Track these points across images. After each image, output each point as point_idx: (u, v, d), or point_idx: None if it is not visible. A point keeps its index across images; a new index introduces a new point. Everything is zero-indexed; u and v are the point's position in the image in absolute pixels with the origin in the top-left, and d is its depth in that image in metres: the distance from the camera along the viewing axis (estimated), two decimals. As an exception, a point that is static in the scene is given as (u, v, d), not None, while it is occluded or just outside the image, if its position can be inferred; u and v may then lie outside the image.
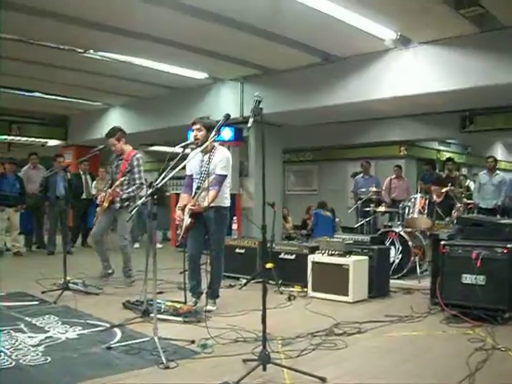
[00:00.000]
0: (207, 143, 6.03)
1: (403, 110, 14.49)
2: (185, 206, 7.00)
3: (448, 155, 20.44)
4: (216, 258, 7.11)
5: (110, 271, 9.11)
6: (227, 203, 7.15)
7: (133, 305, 7.09)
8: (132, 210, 5.78)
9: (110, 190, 8.67)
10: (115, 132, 8.78)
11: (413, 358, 5.21)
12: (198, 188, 6.83)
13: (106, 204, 8.65)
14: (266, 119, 13.44)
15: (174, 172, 5.32)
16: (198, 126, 6.88)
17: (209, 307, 6.97)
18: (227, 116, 5.58)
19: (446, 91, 10.82)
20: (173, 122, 15.30)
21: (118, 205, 8.64)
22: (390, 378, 4.64)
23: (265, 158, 4.95)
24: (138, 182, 8.61)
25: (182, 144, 5.96)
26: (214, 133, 5.76)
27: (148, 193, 5.22)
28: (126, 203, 8.62)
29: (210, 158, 6.87)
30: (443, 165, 19.48)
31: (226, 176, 6.97)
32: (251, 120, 4.67)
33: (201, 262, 7.24)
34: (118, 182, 8.56)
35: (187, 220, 6.90)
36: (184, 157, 5.72)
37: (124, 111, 17.62)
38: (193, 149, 6.87)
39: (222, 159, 6.91)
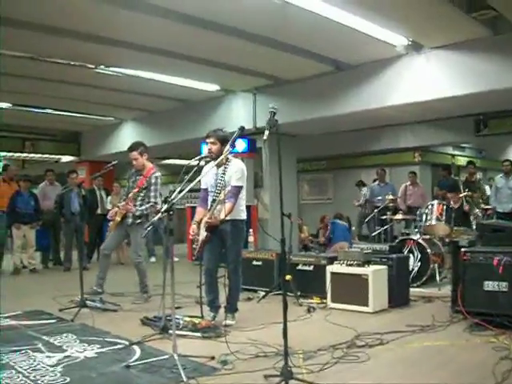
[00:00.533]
0: (222, 156, 5.98)
1: (416, 115, 14.40)
2: (200, 220, 6.97)
3: (462, 160, 20.38)
4: (233, 272, 7.05)
5: (100, 290, 8.79)
6: (243, 216, 7.10)
7: (151, 321, 7.03)
8: (148, 227, 5.74)
9: (122, 204, 8.64)
10: (138, 146, 8.76)
11: (437, 369, 5.12)
12: (214, 201, 6.77)
13: (118, 218, 8.60)
14: (280, 129, 13.42)
15: (191, 186, 5.27)
16: (211, 140, 6.83)
17: (228, 322, 6.92)
18: (242, 128, 5.55)
19: (459, 95, 10.73)
20: (185, 135, 15.27)
21: (130, 220, 8.57)
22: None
23: (281, 169, 4.88)
24: (152, 200, 8.56)
25: (197, 157, 5.93)
26: (228, 146, 5.72)
27: (164, 208, 5.18)
28: (139, 220, 8.55)
29: (224, 171, 6.85)
30: (458, 169, 19.44)
31: (241, 187, 6.92)
32: (267, 132, 4.63)
33: (218, 275, 7.19)
34: (130, 195, 8.54)
35: (203, 234, 6.87)
36: (199, 170, 5.68)
37: (136, 125, 17.61)
38: (207, 162, 6.82)
39: (237, 170, 6.87)
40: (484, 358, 5.32)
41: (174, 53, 10.82)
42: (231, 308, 7.14)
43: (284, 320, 4.62)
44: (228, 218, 6.78)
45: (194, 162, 5.79)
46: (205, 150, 6.91)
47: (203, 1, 8.57)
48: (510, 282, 6.33)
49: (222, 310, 7.14)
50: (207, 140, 6.87)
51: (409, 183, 14.51)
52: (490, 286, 6.46)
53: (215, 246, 7.02)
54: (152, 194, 8.59)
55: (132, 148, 8.72)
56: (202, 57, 11.23)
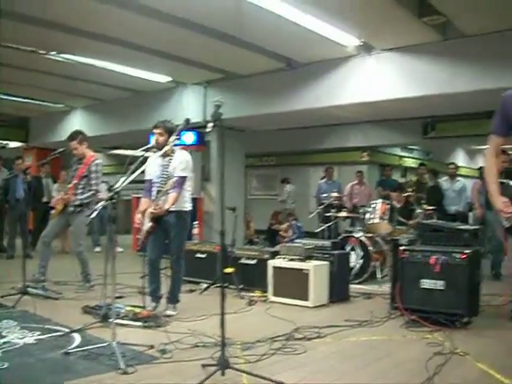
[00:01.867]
0: (167, 147, 6.00)
1: (365, 115, 14.58)
2: (145, 210, 7.01)
3: (410, 161, 20.65)
4: (176, 263, 7.12)
5: (42, 278, 8.68)
6: (188, 207, 7.15)
7: (92, 309, 7.03)
8: (90, 215, 5.74)
9: (62, 194, 8.60)
10: (77, 135, 8.69)
11: (372, 363, 5.23)
12: (159, 192, 6.80)
13: (59, 207, 8.56)
14: (229, 124, 13.46)
15: (134, 176, 5.28)
16: (159, 131, 6.85)
17: (169, 312, 7.03)
18: (187, 120, 5.58)
19: (408, 98, 10.91)
20: (135, 126, 15.19)
21: (71, 209, 8.51)
22: (350, 382, 4.65)
23: (224, 162, 4.93)
24: (94, 188, 8.51)
25: (143, 148, 5.94)
26: (173, 137, 5.74)
27: (107, 196, 5.19)
28: (79, 208, 8.50)
29: (169, 162, 6.89)
30: (405, 171, 19.70)
31: (185, 178, 6.97)
32: (210, 125, 4.66)
33: (161, 266, 7.22)
34: (70, 185, 8.50)
35: (148, 224, 6.90)
36: (144, 161, 5.69)
37: (86, 114, 17.44)
38: (154, 152, 6.85)
39: (182, 161, 6.93)
40: (418, 354, 5.45)
41: (128, 42, 10.77)
42: (173, 299, 7.20)
43: (221, 311, 4.67)
44: (173, 208, 6.84)
45: (139, 153, 5.80)
46: (152, 140, 6.90)
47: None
48: (446, 280, 6.48)
49: (163, 301, 7.19)
50: (155, 130, 6.88)
51: (356, 182, 14.67)
52: (426, 284, 6.61)
53: (159, 237, 7.06)
54: (93, 181, 8.53)
55: (71, 137, 8.64)
56: (154, 48, 11.21)
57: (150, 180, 7.10)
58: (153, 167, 7.01)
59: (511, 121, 4.28)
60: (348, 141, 18.97)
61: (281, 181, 18.24)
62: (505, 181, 4.37)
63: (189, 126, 6.17)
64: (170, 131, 6.72)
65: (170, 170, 6.86)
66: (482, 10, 8.86)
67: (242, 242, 14.39)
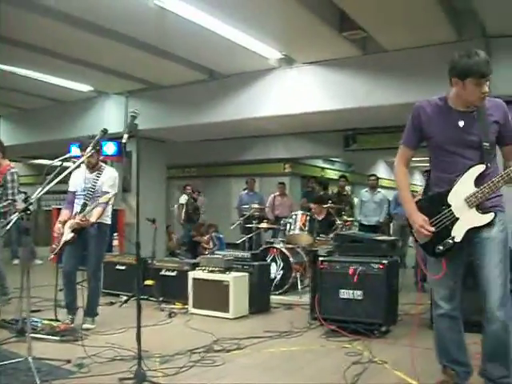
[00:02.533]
0: (83, 158, 5.89)
1: (287, 128, 14.72)
2: (65, 221, 6.95)
3: (332, 173, 20.91)
4: (94, 275, 7.06)
5: None
6: (109, 221, 7.19)
7: (8, 324, 6.82)
8: (5, 226, 5.60)
9: None
10: None
11: (291, 374, 5.25)
12: (85, 204, 6.83)
13: None
14: (151, 134, 13.37)
15: (50, 186, 5.17)
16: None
17: (87, 325, 6.91)
18: (104, 131, 5.49)
19: (328, 111, 11.06)
20: (57, 135, 14.96)
21: None
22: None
23: (139, 173, 4.90)
24: (10, 197, 8.31)
25: (61, 158, 5.84)
26: (90, 147, 5.66)
27: (22, 207, 5.07)
28: None
29: (97, 176, 6.95)
30: (327, 182, 19.92)
31: (113, 194, 7.01)
32: (126, 136, 4.61)
33: (77, 278, 7.13)
34: None
35: (68, 234, 6.82)
36: (62, 171, 5.58)
37: (7, 122, 17.04)
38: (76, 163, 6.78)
39: (111, 177, 7.04)
40: (337, 363, 5.49)
41: (50, 51, 10.59)
42: (91, 312, 7.10)
43: (138, 323, 4.62)
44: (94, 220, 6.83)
45: (57, 163, 5.70)
46: (73, 150, 6.87)
47: (82, 1, 8.48)
48: (365, 290, 6.58)
49: (81, 314, 7.07)
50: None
51: (277, 193, 14.74)
52: (345, 294, 6.69)
53: (77, 249, 6.99)
54: (9, 191, 8.32)
55: None
56: (76, 57, 11.07)
57: (74, 192, 7.10)
58: (79, 180, 7.04)
59: (424, 134, 4.27)
60: (270, 152, 19.07)
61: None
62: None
63: (109, 137, 6.13)
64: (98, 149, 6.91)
65: (97, 185, 6.91)
66: (401, 26, 9.08)
67: (164, 253, 14.29)
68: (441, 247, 4.11)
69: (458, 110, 4.12)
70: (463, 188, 4.06)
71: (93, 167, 7.02)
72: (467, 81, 3.97)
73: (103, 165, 7.14)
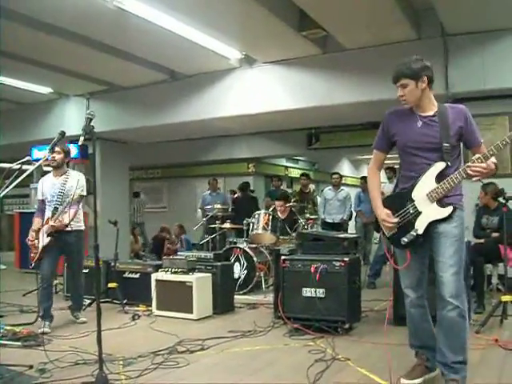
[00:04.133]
0: (40, 161, 5.84)
1: (249, 127, 14.74)
2: (39, 228, 7.04)
3: (296, 171, 20.98)
4: (78, 276, 7.59)
5: None
6: (83, 226, 7.50)
7: (-30, 330, 6.78)
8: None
9: None
10: None
11: (254, 373, 5.24)
12: (56, 208, 6.97)
13: None
14: (113, 136, 13.30)
15: (7, 190, 5.12)
16: (58, 149, 7.04)
17: (82, 319, 7.48)
18: (62, 133, 5.45)
19: (290, 110, 11.11)
20: (18, 138, 14.79)
21: None
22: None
23: (95, 175, 4.91)
24: None
25: (20, 161, 5.79)
26: (47, 150, 5.62)
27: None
28: None
29: (65, 181, 7.10)
30: (291, 181, 19.99)
31: (83, 196, 7.31)
32: (82, 138, 4.58)
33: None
34: None
35: (45, 239, 6.93)
36: (21, 174, 5.53)
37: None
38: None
39: (80, 180, 7.17)
40: (301, 361, 5.51)
41: (8, 53, 10.46)
42: (80, 306, 7.68)
43: (98, 326, 4.61)
44: (72, 228, 7.10)
45: (16, 166, 5.64)
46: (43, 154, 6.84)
47: (38, 1, 8.40)
48: (327, 288, 6.61)
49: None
50: (55, 148, 6.89)
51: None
52: (307, 292, 6.71)
53: (54, 254, 7.15)
54: None
55: None
56: (36, 58, 10.98)
57: (43, 200, 7.23)
58: (46, 187, 7.18)
59: (391, 138, 4.56)
60: (233, 152, 19.13)
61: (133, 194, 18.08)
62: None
63: (70, 139, 6.11)
64: (67, 153, 7.29)
65: (66, 189, 7.04)
66: (360, 24, 9.17)
67: (128, 256, 14.21)
68: (405, 239, 4.39)
69: (418, 114, 4.43)
70: (425, 184, 4.34)
71: (57, 169, 7.17)
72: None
73: (68, 169, 7.34)
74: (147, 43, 10.08)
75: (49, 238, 6.93)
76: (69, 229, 7.03)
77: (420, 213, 4.36)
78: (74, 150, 13.49)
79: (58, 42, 9.73)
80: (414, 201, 4.39)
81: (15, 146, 15.19)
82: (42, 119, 14.43)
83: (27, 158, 6.34)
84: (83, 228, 7.47)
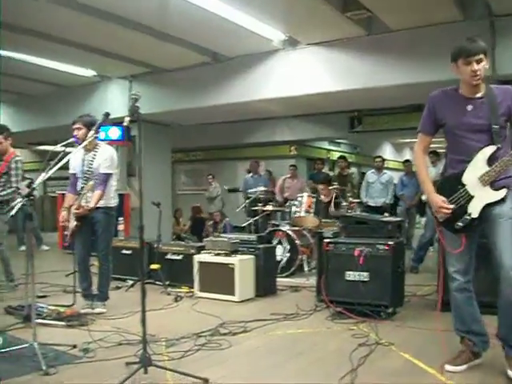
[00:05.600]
0: (86, 142, 5.88)
1: (291, 110, 14.68)
2: (70, 206, 6.90)
3: (337, 154, 20.87)
4: (104, 259, 7.06)
5: None
6: (114, 203, 7.10)
7: (15, 310, 6.84)
8: (9, 211, 5.59)
9: None
10: (3, 130, 8.43)
11: (297, 356, 5.23)
12: (82, 189, 6.72)
13: None
14: (155, 118, 13.31)
15: (52, 172, 5.14)
16: (77, 125, 6.80)
17: (99, 309, 6.96)
18: (107, 114, 5.45)
19: (333, 92, 11.01)
20: (61, 121, 14.82)
21: None
22: (274, 376, 4.65)
23: (144, 156, 4.86)
24: (14, 185, 8.28)
25: (63, 143, 5.82)
26: (93, 131, 5.63)
27: (26, 193, 5.06)
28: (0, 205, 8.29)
29: (93, 157, 6.81)
30: (333, 164, 19.90)
31: (110, 175, 6.92)
32: (127, 119, 4.58)
33: (90, 263, 7.15)
34: None
35: (73, 223, 6.79)
36: (64, 156, 5.56)
37: (9, 109, 16.95)
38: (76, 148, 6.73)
39: (107, 158, 6.85)
40: (343, 345, 5.47)
41: (52, 36, 10.56)
42: (102, 296, 7.12)
43: (142, 307, 4.61)
44: (99, 205, 6.78)
45: (59, 148, 5.67)
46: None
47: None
48: (371, 272, 6.55)
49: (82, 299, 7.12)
50: (73, 126, 6.82)
51: (288, 176, 14.69)
52: (351, 275, 6.65)
53: (86, 235, 6.97)
54: (13, 178, 8.28)
55: None
56: (79, 41, 11.04)
57: (75, 174, 7.00)
58: (77, 161, 6.92)
59: (438, 121, 4.52)
60: (275, 135, 19.11)
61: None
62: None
63: (113, 121, 6.07)
64: (88, 124, 6.65)
65: (94, 166, 6.78)
66: (405, 5, 9.00)
67: (171, 237, 14.30)
68: (460, 223, 4.37)
69: (466, 96, 4.38)
70: (476, 168, 4.31)
71: (90, 148, 6.88)
72: (459, 62, 4.27)
73: (99, 143, 7.01)
74: (190, 25, 10.05)
75: (75, 222, 6.80)
76: (97, 205, 6.80)
77: (472, 197, 4.33)
78: (116, 132, 13.64)
79: (100, 24, 9.76)
80: (465, 185, 4.35)
81: (56, 128, 15.32)
82: (85, 102, 14.54)
83: (71, 140, 6.39)
84: (112, 205, 7.08)
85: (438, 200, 4.41)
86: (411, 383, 4.48)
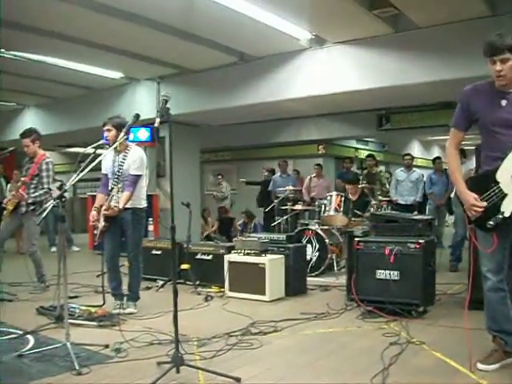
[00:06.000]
0: (117, 143, 5.93)
1: (320, 108, 14.65)
2: (101, 206, 6.93)
3: (365, 153, 20.80)
4: (134, 260, 7.10)
5: None
6: (144, 204, 7.12)
7: (47, 310, 6.92)
8: (41, 213, 5.64)
9: (13, 193, 8.50)
10: (31, 133, 8.52)
11: (328, 355, 5.23)
12: (112, 190, 6.77)
13: (10, 207, 8.44)
14: (183, 119, 13.35)
15: (83, 174, 5.19)
16: (107, 127, 6.83)
17: (130, 310, 7.02)
18: (137, 116, 5.50)
19: (361, 90, 10.95)
20: (89, 123, 14.95)
21: (23, 209, 8.37)
22: (305, 376, 4.65)
23: (172, 157, 4.89)
24: (45, 186, 8.36)
25: (93, 145, 5.87)
26: (123, 133, 5.67)
27: (57, 195, 5.10)
28: (32, 207, 8.35)
29: (124, 158, 6.84)
30: (361, 163, 19.82)
31: (139, 176, 6.92)
32: (158, 120, 4.61)
33: (119, 263, 7.20)
34: (19, 183, 8.41)
35: (102, 223, 6.83)
36: (95, 158, 5.61)
37: (39, 112, 17.18)
38: (106, 149, 6.78)
39: (136, 159, 6.86)
40: (374, 344, 5.47)
41: (79, 39, 10.59)
42: (133, 296, 7.18)
43: (174, 307, 4.63)
44: (128, 206, 6.81)
45: (89, 150, 5.72)
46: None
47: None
48: (401, 270, 6.54)
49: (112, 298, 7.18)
50: (104, 128, 6.85)
51: (314, 175, 14.67)
52: (381, 274, 6.66)
53: (115, 235, 7.00)
54: (45, 180, 8.37)
55: (24, 134, 8.48)
56: (106, 44, 11.06)
57: (106, 175, 7.04)
58: (108, 162, 6.96)
59: (471, 116, 4.44)
60: (302, 134, 19.11)
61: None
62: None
63: (142, 123, 6.08)
64: (118, 126, 6.65)
65: (124, 168, 6.81)
66: (432, 2, 8.94)
67: (199, 237, 14.35)
68: (491, 222, 4.27)
69: (501, 90, 4.27)
70: (511, 166, 4.21)
71: (120, 150, 6.88)
72: (487, 60, 4.19)
73: (129, 144, 7.01)
74: (216, 25, 10.05)
75: (103, 223, 6.82)
76: (126, 206, 6.81)
77: (506, 195, 4.24)
78: (145, 134, 13.71)
79: (128, 26, 9.78)
80: (498, 183, 4.26)
81: (86, 130, 15.45)
82: (113, 103, 14.61)
83: (101, 142, 6.44)
84: (142, 206, 7.09)
85: (470, 198, 4.33)
86: (443, 382, 4.47)
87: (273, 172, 16.59)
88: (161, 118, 4.64)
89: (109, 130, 6.80)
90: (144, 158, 7.00)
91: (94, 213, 6.98)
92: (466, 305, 4.90)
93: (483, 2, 8.90)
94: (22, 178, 8.45)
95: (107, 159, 6.91)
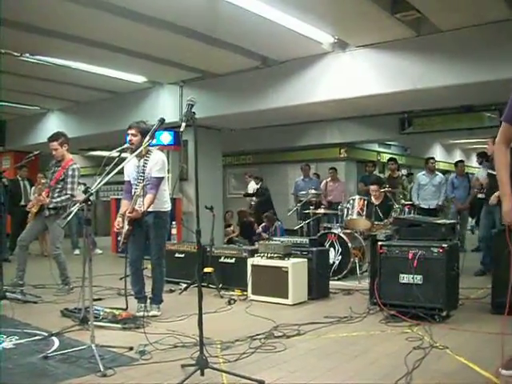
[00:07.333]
0: (141, 148, 5.97)
1: (342, 112, 14.62)
2: (125, 212, 6.94)
3: (387, 156, 20.77)
4: (157, 263, 7.12)
5: (21, 282, 8.66)
6: (167, 207, 7.16)
7: (71, 312, 6.98)
8: (66, 217, 5.69)
9: (36, 196, 8.57)
10: (59, 136, 8.60)
11: (351, 359, 5.23)
12: (135, 193, 6.77)
13: (34, 210, 8.53)
14: (206, 123, 13.40)
15: (109, 177, 5.24)
16: (133, 131, 6.85)
17: (153, 312, 7.06)
18: (162, 120, 5.53)
19: (383, 93, 10.94)
20: (112, 127, 15.11)
21: (46, 212, 8.47)
22: (329, 379, 4.65)
23: (198, 162, 4.91)
24: (69, 192, 8.42)
25: (118, 149, 5.91)
26: (148, 137, 5.71)
27: (83, 198, 5.15)
28: (55, 211, 8.46)
29: (145, 162, 6.87)
30: (383, 166, 19.82)
31: (162, 178, 6.96)
32: (183, 124, 4.64)
33: (143, 267, 7.24)
34: (40, 186, 8.48)
35: (126, 227, 6.87)
36: (120, 162, 5.65)
37: (63, 116, 17.32)
38: (131, 153, 6.81)
39: (158, 162, 6.90)
40: (398, 348, 5.46)
41: (101, 43, 10.68)
42: (156, 299, 7.21)
43: (199, 310, 4.64)
44: (151, 209, 6.84)
45: (114, 154, 5.76)
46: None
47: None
48: (425, 275, 6.52)
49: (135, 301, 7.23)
50: (129, 131, 6.87)
51: (329, 179, 14.68)
52: (405, 278, 6.65)
53: (139, 238, 7.04)
54: (69, 185, 8.45)
55: (53, 138, 8.57)
56: (129, 48, 11.14)
57: (129, 181, 7.08)
58: (130, 168, 6.98)
59: None
60: (325, 138, 19.10)
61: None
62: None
63: (165, 126, 6.11)
64: (143, 131, 6.66)
65: (146, 172, 6.84)
66: (454, 5, 8.90)
67: (222, 241, 14.38)
68: None
69: None
70: None
71: (142, 154, 6.88)
72: None
73: (150, 149, 7.01)
74: (240, 30, 10.08)
75: (127, 226, 6.85)
76: (149, 209, 6.82)
77: None
78: (168, 138, 13.78)
79: (150, 31, 9.83)
80: None
81: (109, 134, 15.58)
82: (137, 107, 14.68)
83: (126, 146, 6.49)
84: (166, 209, 7.14)
85: (509, 205, 4.09)
86: (466, 387, 4.46)
87: (261, 179, 16.68)
88: (186, 123, 4.67)
89: (134, 135, 6.82)
90: (165, 161, 7.04)
91: (119, 219, 7.01)
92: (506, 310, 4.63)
93: (506, 5, 8.86)
94: (43, 181, 8.51)
95: (129, 165, 6.88)
